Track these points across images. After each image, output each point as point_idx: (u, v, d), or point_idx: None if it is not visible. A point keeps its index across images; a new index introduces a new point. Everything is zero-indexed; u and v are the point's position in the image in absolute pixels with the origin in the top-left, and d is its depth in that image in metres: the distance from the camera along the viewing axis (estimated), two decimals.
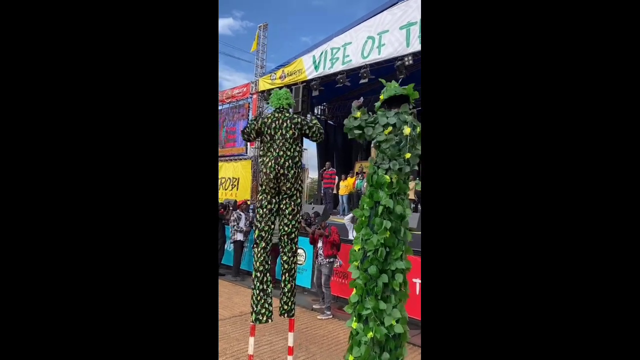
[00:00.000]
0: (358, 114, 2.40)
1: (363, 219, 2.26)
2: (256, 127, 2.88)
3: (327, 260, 4.34)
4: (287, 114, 2.88)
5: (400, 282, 2.13)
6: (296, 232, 2.85)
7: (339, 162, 10.48)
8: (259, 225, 2.83)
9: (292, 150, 2.84)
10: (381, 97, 2.43)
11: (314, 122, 2.94)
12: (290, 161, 2.80)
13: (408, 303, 2.22)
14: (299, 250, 5.30)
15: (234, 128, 11.02)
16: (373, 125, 2.32)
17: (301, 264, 5.35)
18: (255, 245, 2.87)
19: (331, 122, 10.47)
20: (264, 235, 2.83)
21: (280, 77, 9.01)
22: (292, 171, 2.80)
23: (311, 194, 13.04)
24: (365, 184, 2.43)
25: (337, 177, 8.39)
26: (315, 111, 10.66)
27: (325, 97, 9.59)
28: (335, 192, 8.26)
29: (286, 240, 2.85)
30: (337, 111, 9.98)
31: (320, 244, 4.40)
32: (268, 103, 3.25)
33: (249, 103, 10.90)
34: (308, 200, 12.02)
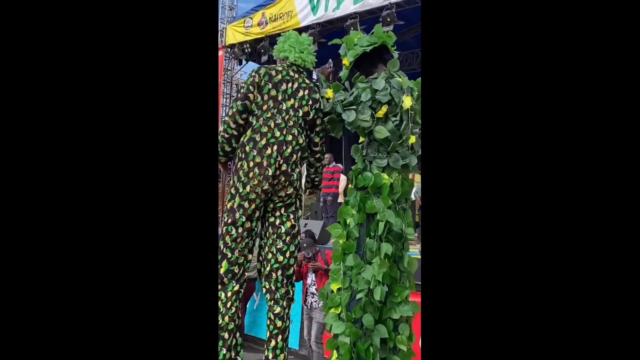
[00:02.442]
0: (329, 92, 2.43)
1: (347, 242, 2.26)
2: (260, 82, 2.65)
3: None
4: (307, 80, 2.79)
5: (407, 337, 2.18)
6: (295, 266, 2.80)
7: (349, 153, 10.42)
8: (229, 255, 2.66)
9: (304, 136, 2.73)
10: (345, 61, 2.44)
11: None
12: (299, 154, 2.69)
13: None
14: None
15: None
16: (355, 105, 2.32)
17: None
18: (221, 287, 2.67)
19: None
20: (237, 271, 2.69)
21: (259, 24, 9.11)
22: (298, 170, 2.73)
23: (308, 203, 13.03)
24: (344, 184, 2.49)
25: (344, 177, 8.34)
26: (314, 76, 10.65)
27: (328, 54, 9.57)
28: (341, 200, 8.15)
29: (280, 279, 2.72)
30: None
31: (311, 277, 4.56)
32: (272, 52, 3.08)
33: None
34: (303, 212, 11.98)
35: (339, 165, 8.56)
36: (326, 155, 8.07)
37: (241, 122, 2.66)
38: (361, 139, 2.46)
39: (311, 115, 2.73)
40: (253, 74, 2.70)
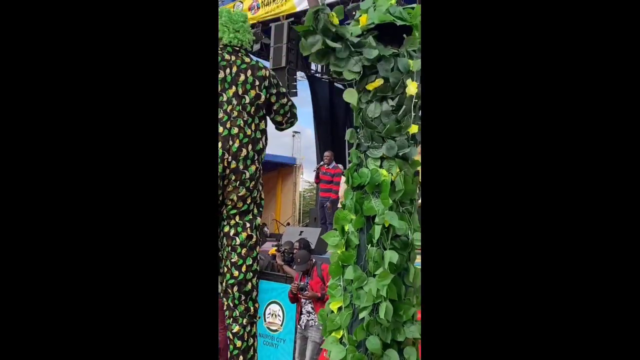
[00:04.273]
0: (333, 16, 2.09)
1: (346, 252, 2.13)
2: None
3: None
4: (247, 58, 2.68)
5: None
6: (255, 281, 2.71)
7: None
8: None
9: (253, 126, 2.61)
10: (362, 19, 2.22)
11: (284, 92, 2.78)
12: (249, 147, 2.58)
13: None
14: (274, 307, 5.30)
15: None
16: (351, 52, 2.09)
17: (276, 331, 5.29)
18: None
19: (340, 85, 10.40)
20: None
21: (250, 9, 9.10)
22: (253, 167, 2.60)
23: (307, 209, 13.00)
24: (344, 185, 2.38)
25: (344, 178, 8.18)
26: (312, 66, 10.75)
27: None
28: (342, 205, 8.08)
29: (237, 295, 2.66)
30: None
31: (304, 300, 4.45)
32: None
33: None
34: (301, 218, 11.95)
35: (340, 166, 8.29)
36: (326, 154, 7.99)
37: None
38: (355, 119, 2.31)
39: (262, 97, 2.61)
40: None
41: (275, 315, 5.29)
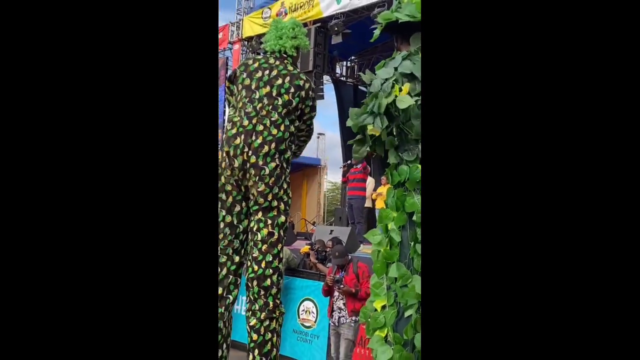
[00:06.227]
0: (406, 87, 2.05)
1: (388, 250, 2.12)
2: (235, 73, 2.82)
3: (352, 318, 4.37)
4: (290, 67, 2.78)
5: None
6: (276, 278, 2.69)
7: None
8: None
9: (282, 127, 2.67)
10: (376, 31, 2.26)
11: (314, 107, 2.84)
12: (272, 145, 2.63)
13: None
14: (307, 304, 5.42)
15: None
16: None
17: (310, 327, 5.39)
18: None
19: (363, 89, 10.60)
20: (217, 272, 2.67)
21: (278, 15, 9.24)
22: (273, 164, 2.64)
23: (331, 208, 13.11)
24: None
25: (371, 179, 8.34)
26: (338, 70, 10.90)
27: (352, 47, 9.75)
28: (370, 205, 8.23)
29: (256, 290, 2.68)
30: (372, 69, 10.01)
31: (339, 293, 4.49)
32: (262, 43, 3.23)
33: (226, 58, 11.00)
34: (326, 217, 12.03)
35: (368, 166, 8.50)
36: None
37: None
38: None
39: (294, 103, 2.72)
40: (235, 68, 2.80)
41: (309, 312, 5.35)
